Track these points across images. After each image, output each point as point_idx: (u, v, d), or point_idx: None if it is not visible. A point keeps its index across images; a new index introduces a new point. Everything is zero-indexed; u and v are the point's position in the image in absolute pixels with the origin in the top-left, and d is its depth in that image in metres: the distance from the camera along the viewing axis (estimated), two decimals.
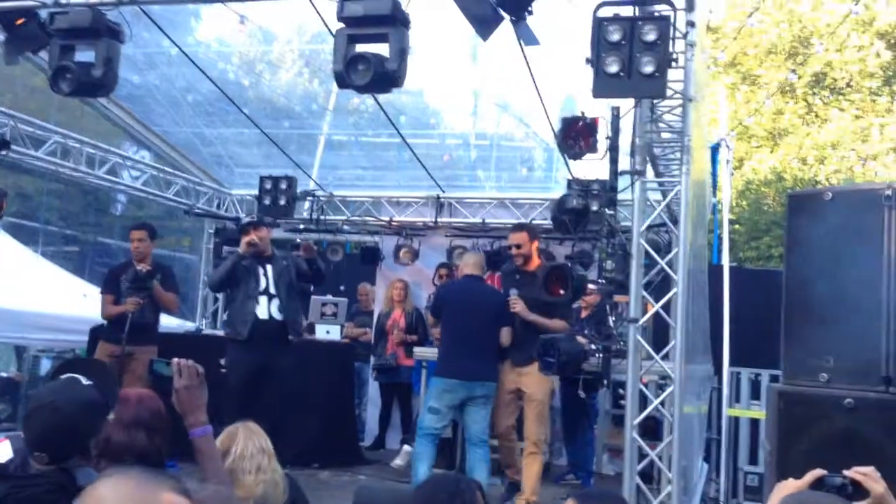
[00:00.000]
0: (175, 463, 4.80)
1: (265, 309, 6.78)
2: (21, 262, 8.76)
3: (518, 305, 6.45)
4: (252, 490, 2.98)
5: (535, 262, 6.68)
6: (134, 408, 2.88)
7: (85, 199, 10.00)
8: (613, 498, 3.16)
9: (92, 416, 2.37)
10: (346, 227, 10.40)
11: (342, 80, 5.30)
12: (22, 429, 2.33)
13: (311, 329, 9.07)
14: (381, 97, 8.09)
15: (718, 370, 9.20)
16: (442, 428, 6.74)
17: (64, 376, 2.53)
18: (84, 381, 2.44)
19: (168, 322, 10.14)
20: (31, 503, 2.08)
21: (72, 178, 8.95)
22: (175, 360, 2.68)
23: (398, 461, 8.41)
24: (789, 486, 1.90)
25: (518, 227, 6.97)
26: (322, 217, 10.18)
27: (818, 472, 2.07)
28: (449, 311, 6.65)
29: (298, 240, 10.43)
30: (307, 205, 10.19)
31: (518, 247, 6.67)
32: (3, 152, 6.55)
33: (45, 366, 10.11)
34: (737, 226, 19.95)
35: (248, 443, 3.06)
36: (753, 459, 8.53)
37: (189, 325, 10.40)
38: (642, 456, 5.39)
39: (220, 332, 8.98)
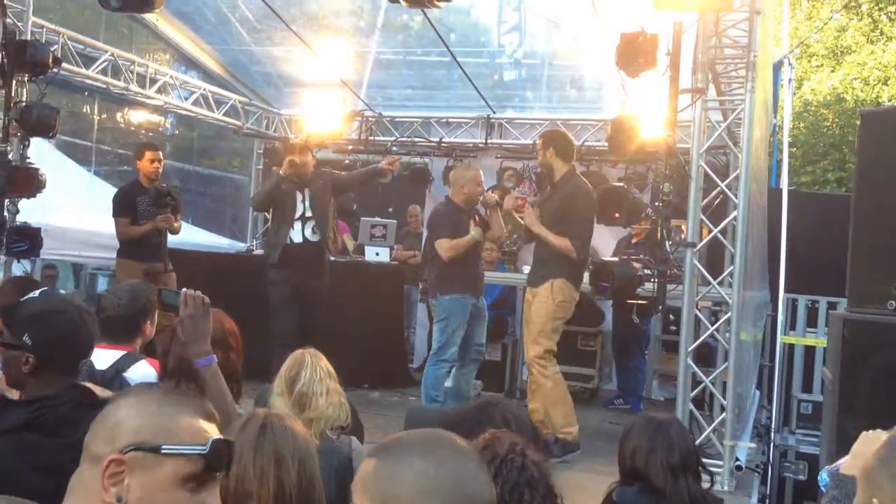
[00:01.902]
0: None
1: (299, 232, 6.73)
2: (76, 181, 8.83)
3: (527, 213, 6.05)
4: (324, 412, 3.04)
5: (559, 172, 5.99)
6: None
7: (137, 119, 10.00)
8: (675, 422, 3.16)
9: (91, 320, 2.36)
10: (394, 148, 10.28)
11: None
12: (29, 337, 2.26)
13: (361, 250, 9.06)
14: (431, 14, 7.87)
15: (774, 296, 9.04)
16: None
17: (42, 290, 2.55)
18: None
19: (219, 242, 10.25)
20: (58, 425, 2.02)
21: (123, 97, 8.93)
22: (183, 290, 2.67)
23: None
24: (877, 437, 1.76)
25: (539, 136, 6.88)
26: (371, 138, 10.07)
27: None
28: None
29: (347, 160, 10.40)
30: (355, 125, 10.09)
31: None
32: (55, 70, 6.52)
33: (102, 284, 10.31)
34: (793, 149, 19.40)
35: (316, 367, 3.12)
36: (807, 388, 8.42)
37: (240, 245, 10.49)
38: (696, 383, 5.33)
39: None
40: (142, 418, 1.42)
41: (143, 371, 3.17)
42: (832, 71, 21.30)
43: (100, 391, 2.16)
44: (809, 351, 8.42)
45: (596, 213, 5.79)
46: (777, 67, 10.93)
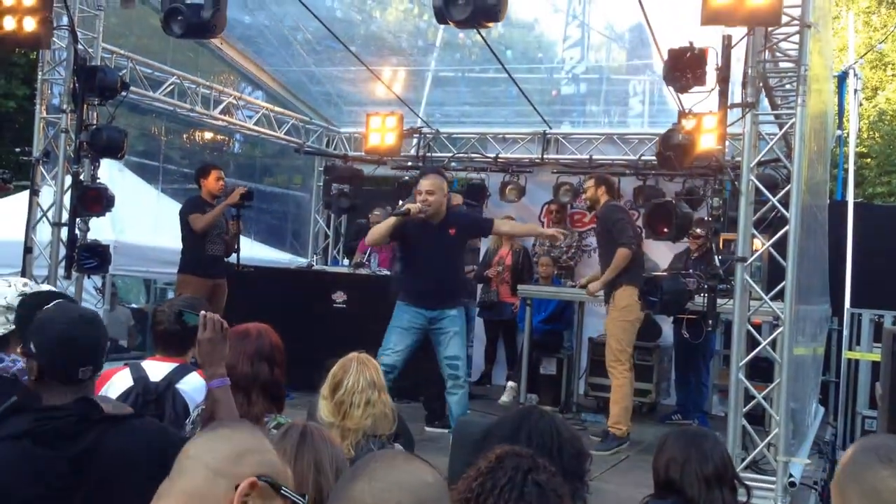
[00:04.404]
0: (290, 393, 5.01)
1: None
2: (144, 200, 9.19)
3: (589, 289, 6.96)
4: (360, 423, 3.08)
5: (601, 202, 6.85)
6: (255, 341, 3.03)
7: (202, 139, 10.35)
8: (709, 435, 3.13)
9: (94, 329, 2.37)
10: (452, 164, 10.39)
11: (441, 15, 5.26)
12: (57, 347, 2.29)
13: None
14: (489, 32, 7.97)
15: (838, 311, 8.84)
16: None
17: (57, 301, 2.57)
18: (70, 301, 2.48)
19: (279, 257, 10.50)
20: (55, 437, 2.10)
21: (189, 119, 9.25)
22: (202, 312, 2.72)
23: (504, 398, 8.49)
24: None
25: (589, 177, 7.32)
26: (429, 154, 10.20)
27: None
28: None
29: (407, 177, 10.55)
30: (414, 142, 10.23)
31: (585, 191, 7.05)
32: (123, 93, 6.81)
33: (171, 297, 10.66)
34: (867, 160, 18.90)
35: (359, 376, 3.14)
36: (873, 404, 8.20)
37: (301, 261, 10.72)
38: (749, 398, 5.27)
39: (330, 268, 9.19)
40: (267, 454, 1.58)
41: (194, 382, 3.27)
42: None
43: (111, 407, 2.24)
44: (875, 366, 8.19)
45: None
46: (842, 79, 10.73)
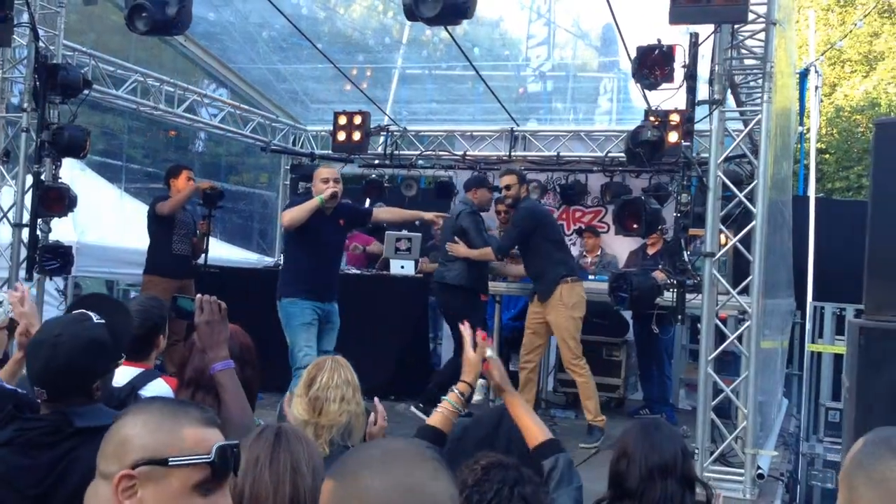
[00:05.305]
0: (259, 394, 4.96)
1: None
2: (107, 199, 9.04)
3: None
4: (336, 419, 3.04)
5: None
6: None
7: (166, 137, 10.21)
8: (663, 426, 3.06)
9: (95, 356, 2.29)
10: (420, 162, 10.37)
11: (411, 13, 5.23)
12: (26, 360, 2.29)
13: (386, 264, 9.15)
14: (456, 29, 7.96)
15: (801, 304, 8.97)
16: None
17: (75, 311, 2.46)
18: (95, 318, 2.36)
19: (246, 257, 10.41)
20: (30, 447, 2.11)
21: (152, 117, 9.13)
22: (198, 295, 2.65)
23: (476, 396, 8.49)
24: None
25: (508, 171, 7.03)
26: (396, 152, 10.18)
27: None
28: None
29: (374, 175, 10.52)
30: (381, 140, 10.20)
31: (507, 188, 6.79)
32: (85, 92, 6.69)
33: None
34: (826, 155, 19.21)
35: (333, 374, 3.11)
36: (836, 396, 8.34)
37: (268, 261, 10.64)
38: (718, 391, 5.33)
39: None
40: (147, 433, 1.50)
41: (158, 388, 3.21)
42: (865, 77, 21.08)
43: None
44: (838, 359, 8.32)
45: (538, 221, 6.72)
46: (804, 75, 10.89)
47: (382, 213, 7.23)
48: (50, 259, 6.42)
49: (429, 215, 6.91)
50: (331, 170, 6.35)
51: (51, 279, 6.86)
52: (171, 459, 1.47)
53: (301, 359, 5.92)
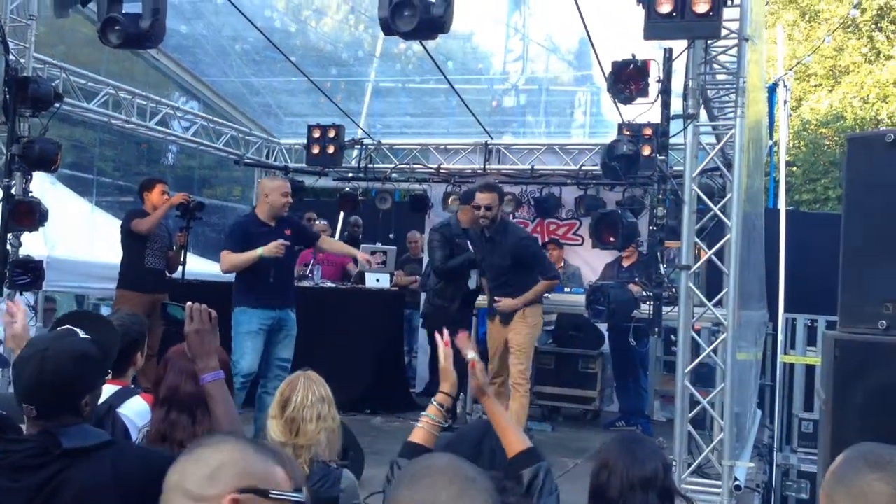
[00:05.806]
0: None
1: None
2: (77, 213, 8.93)
3: (503, 304, 6.72)
4: (313, 438, 3.03)
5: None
6: None
7: (137, 150, 10.11)
8: (645, 440, 3.08)
9: (83, 370, 2.24)
10: (394, 175, 10.38)
11: (388, 27, 5.23)
12: (11, 377, 2.23)
13: (361, 277, 9.13)
14: (429, 42, 7.97)
15: (773, 316, 9.05)
16: None
17: (61, 328, 2.41)
18: (81, 334, 2.32)
19: (216, 270, 10.30)
20: (14, 469, 2.05)
21: (123, 130, 9.04)
22: (188, 303, 2.61)
23: None
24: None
25: (487, 188, 6.76)
26: (370, 165, 10.17)
27: None
28: None
29: (348, 188, 10.50)
30: (355, 153, 10.19)
31: (488, 208, 6.55)
32: (56, 105, 6.61)
33: (105, 314, 10.36)
34: (793, 168, 19.48)
35: (307, 392, 3.09)
36: (808, 406, 8.40)
37: None
38: (694, 403, 5.36)
39: None
40: (245, 463, 1.53)
41: (135, 406, 3.17)
42: (830, 91, 21.44)
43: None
44: (810, 370, 8.38)
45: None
46: (772, 90, 11.03)
47: (325, 242, 7.26)
48: (20, 274, 6.32)
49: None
50: (277, 182, 6.66)
51: (21, 294, 6.75)
52: (271, 492, 1.51)
53: (242, 366, 6.07)
